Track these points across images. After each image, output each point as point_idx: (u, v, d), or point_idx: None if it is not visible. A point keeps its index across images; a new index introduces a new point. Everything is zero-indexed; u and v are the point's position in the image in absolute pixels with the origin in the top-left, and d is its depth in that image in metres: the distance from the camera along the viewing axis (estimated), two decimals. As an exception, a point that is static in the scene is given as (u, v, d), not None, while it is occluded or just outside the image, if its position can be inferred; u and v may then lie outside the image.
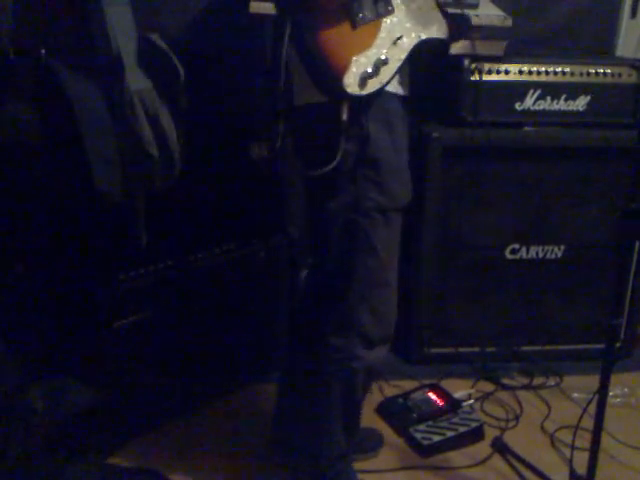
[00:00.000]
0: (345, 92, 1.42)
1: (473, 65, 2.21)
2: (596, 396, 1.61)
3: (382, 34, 1.45)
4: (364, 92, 1.43)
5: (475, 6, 2.27)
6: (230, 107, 2.01)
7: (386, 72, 1.45)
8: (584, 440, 1.74)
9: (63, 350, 1.76)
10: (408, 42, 1.48)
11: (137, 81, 1.67)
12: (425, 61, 2.46)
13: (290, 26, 1.40)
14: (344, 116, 1.43)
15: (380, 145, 1.51)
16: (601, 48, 2.81)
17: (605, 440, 1.97)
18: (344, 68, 1.41)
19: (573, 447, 1.76)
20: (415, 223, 2.32)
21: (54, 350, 1.74)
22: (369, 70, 1.42)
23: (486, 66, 2.22)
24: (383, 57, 1.44)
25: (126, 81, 1.63)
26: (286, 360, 1.86)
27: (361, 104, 1.46)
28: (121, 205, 1.75)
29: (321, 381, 1.65)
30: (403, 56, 1.47)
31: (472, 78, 2.21)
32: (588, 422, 1.67)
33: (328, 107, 1.45)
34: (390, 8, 1.46)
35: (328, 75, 1.41)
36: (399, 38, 1.46)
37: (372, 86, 1.44)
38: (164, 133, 1.73)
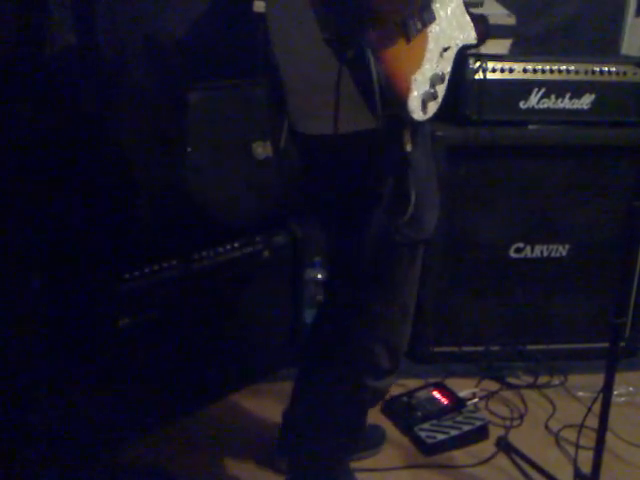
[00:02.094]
0: (411, 117, 1.24)
1: (477, 63, 2.21)
2: (601, 395, 1.61)
3: (430, 45, 1.30)
4: (427, 116, 1.27)
5: (480, 4, 2.28)
6: (232, 107, 2.01)
7: (441, 90, 1.31)
8: (589, 439, 1.74)
9: (67, 349, 1.76)
10: (452, 52, 1.35)
11: (141, 75, 1.66)
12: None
13: (354, 52, 1.18)
14: (408, 147, 1.28)
15: (419, 176, 1.38)
16: (606, 46, 2.81)
17: (610, 439, 1.96)
18: (407, 90, 1.23)
19: (578, 446, 1.75)
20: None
21: (58, 349, 1.74)
22: (428, 89, 1.26)
23: (490, 64, 2.21)
24: (439, 72, 1.29)
25: (132, 76, 1.63)
26: (300, 368, 1.80)
27: (414, 129, 1.30)
28: (124, 201, 1.75)
29: (328, 406, 1.61)
30: (449, 69, 1.33)
31: (476, 77, 2.21)
32: (593, 421, 1.67)
33: (377, 133, 1.27)
34: (433, 16, 1.31)
35: (392, 99, 1.22)
36: (445, 50, 1.32)
37: (432, 109, 1.28)
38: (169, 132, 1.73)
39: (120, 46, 1.61)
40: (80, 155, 1.66)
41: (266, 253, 2.24)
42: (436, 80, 1.28)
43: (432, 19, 1.32)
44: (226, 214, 2.14)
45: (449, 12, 1.37)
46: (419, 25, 1.28)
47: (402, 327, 1.58)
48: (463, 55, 2.20)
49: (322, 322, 1.73)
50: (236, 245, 2.18)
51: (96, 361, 1.82)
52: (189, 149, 1.92)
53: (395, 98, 1.23)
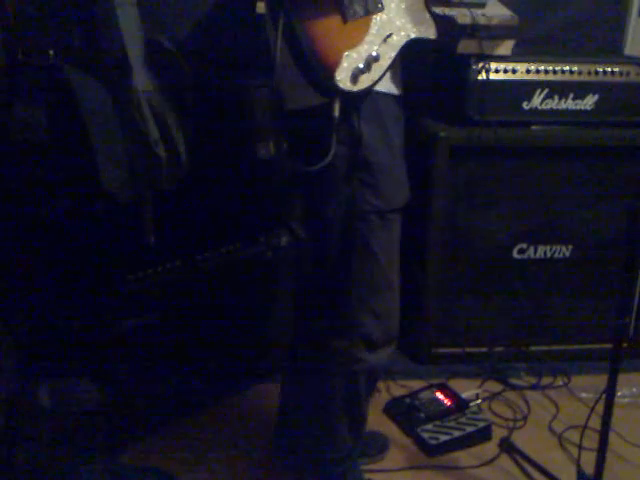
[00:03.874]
0: (337, 87, 1.40)
1: (480, 64, 2.20)
2: (603, 396, 1.61)
3: (372, 30, 1.44)
4: (356, 88, 1.42)
5: (482, 5, 2.27)
6: (236, 107, 2.01)
7: (377, 69, 1.44)
8: (592, 440, 1.73)
9: (70, 349, 1.77)
10: (398, 40, 1.47)
11: (144, 82, 1.67)
12: (432, 60, 2.50)
13: (283, 22, 1.38)
14: (336, 112, 1.42)
15: (374, 147, 1.50)
16: (609, 47, 2.80)
17: (613, 440, 1.97)
18: (336, 63, 1.40)
19: (580, 447, 1.75)
20: (422, 223, 2.31)
21: (61, 349, 1.75)
22: (360, 66, 1.41)
23: (493, 65, 2.21)
24: (374, 54, 1.43)
25: (133, 82, 1.64)
26: (289, 362, 1.85)
27: (353, 102, 1.45)
28: (128, 204, 1.76)
29: (324, 383, 1.65)
30: (393, 54, 1.46)
31: (479, 77, 2.20)
32: (596, 422, 1.67)
33: (320, 107, 1.44)
34: (380, 6, 1.46)
35: (320, 70, 1.40)
36: (389, 36, 1.46)
37: (364, 82, 1.42)
38: (171, 133, 1.73)
39: (122, 50, 1.61)
40: (81, 157, 1.67)
41: (269, 254, 2.24)
42: (371, 60, 1.43)
43: (378, 9, 1.46)
44: (228, 214, 2.14)
45: (403, 6, 1.50)
46: (360, 10, 1.43)
47: (387, 296, 1.62)
48: (466, 56, 2.24)
49: (306, 302, 1.78)
50: (239, 246, 2.18)
51: (99, 360, 1.82)
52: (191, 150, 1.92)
53: (322, 67, 1.40)
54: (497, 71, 2.22)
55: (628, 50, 2.82)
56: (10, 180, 1.59)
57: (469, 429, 2.03)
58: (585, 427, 1.73)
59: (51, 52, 1.55)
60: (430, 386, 2.25)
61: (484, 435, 2.04)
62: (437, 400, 2.17)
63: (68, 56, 1.60)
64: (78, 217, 1.73)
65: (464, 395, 2.21)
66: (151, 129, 1.69)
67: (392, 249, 1.61)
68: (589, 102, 2.27)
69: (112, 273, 1.87)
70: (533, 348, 2.43)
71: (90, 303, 1.80)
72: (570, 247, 2.37)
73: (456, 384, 2.28)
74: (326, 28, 1.40)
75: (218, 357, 2.15)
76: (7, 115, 1.60)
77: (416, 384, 2.30)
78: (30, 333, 1.69)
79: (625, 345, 2.38)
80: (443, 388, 2.24)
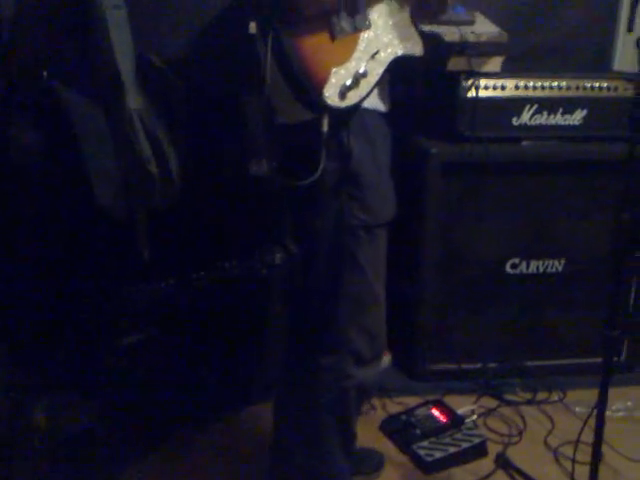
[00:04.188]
0: (325, 103, 1.42)
1: (469, 81, 2.23)
2: (596, 410, 1.61)
3: (360, 47, 1.46)
4: (344, 104, 1.43)
5: (470, 23, 2.30)
6: (228, 125, 2.03)
7: (365, 85, 1.46)
8: (587, 455, 1.72)
9: (66, 367, 1.77)
10: (385, 57, 1.49)
11: (136, 100, 1.69)
12: (423, 78, 2.52)
13: (272, 39, 1.39)
14: (324, 128, 1.44)
15: (362, 162, 1.52)
16: (598, 62, 2.83)
17: (608, 454, 1.97)
18: (324, 79, 1.41)
19: (574, 461, 1.75)
20: (415, 238, 2.33)
21: (58, 367, 1.75)
22: (348, 82, 1.43)
23: (483, 82, 2.24)
24: (362, 70, 1.45)
25: (126, 100, 1.66)
26: (280, 379, 1.85)
27: (341, 118, 1.47)
28: (122, 221, 1.77)
29: (314, 400, 1.64)
30: (381, 70, 1.48)
31: (469, 94, 2.23)
32: (591, 436, 1.66)
33: (309, 123, 1.45)
34: (367, 23, 1.47)
35: (308, 86, 1.42)
36: (377, 52, 1.48)
37: (352, 99, 1.44)
38: (163, 150, 1.75)
39: (114, 70, 1.63)
40: (76, 175, 1.68)
41: (263, 271, 2.24)
42: (359, 76, 1.45)
43: (366, 26, 1.48)
44: (223, 232, 2.15)
45: (390, 23, 1.52)
46: (347, 28, 1.44)
47: (374, 311, 1.63)
48: (455, 73, 2.26)
49: (296, 317, 1.78)
50: (234, 263, 2.19)
51: (95, 379, 1.82)
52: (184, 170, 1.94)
53: (311, 83, 1.41)
54: (487, 88, 2.25)
55: (617, 65, 2.85)
56: (7, 197, 1.60)
57: (464, 445, 2.02)
58: (578, 441, 1.73)
59: (45, 73, 1.57)
60: (426, 403, 2.25)
61: (480, 451, 2.03)
62: (433, 417, 2.17)
63: (62, 77, 1.61)
64: (73, 234, 1.74)
65: (460, 411, 2.21)
66: (143, 146, 1.70)
67: (378, 263, 1.62)
68: (578, 117, 2.30)
69: (107, 291, 1.87)
70: (528, 363, 2.43)
71: (86, 320, 1.80)
72: (562, 261, 2.38)
73: (452, 400, 2.28)
74: (314, 45, 1.42)
75: (213, 375, 2.15)
76: (3, 136, 1.62)
77: (412, 401, 2.29)
78: (26, 350, 1.69)
79: (620, 359, 2.44)
80: (439, 405, 2.23)
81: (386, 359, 2.55)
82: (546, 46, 2.74)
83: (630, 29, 3.10)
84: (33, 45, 1.60)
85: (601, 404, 1.55)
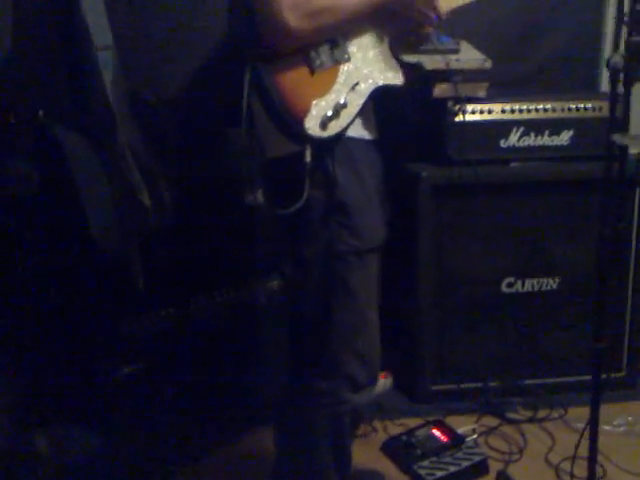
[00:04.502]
0: (307, 134, 1.47)
1: (456, 107, 2.29)
2: (594, 426, 1.63)
3: (340, 80, 1.51)
4: (325, 134, 1.48)
5: (456, 51, 2.37)
6: (222, 155, 2.09)
7: (345, 116, 1.51)
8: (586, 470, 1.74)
9: (68, 396, 1.81)
10: (365, 88, 1.54)
11: (129, 133, 1.76)
12: (412, 105, 2.59)
13: (250, 75, 1.46)
14: (307, 158, 1.48)
15: (348, 190, 1.55)
16: (587, 84, 2.89)
17: (609, 469, 1.98)
18: (305, 111, 1.47)
19: (572, 476, 1.76)
20: (410, 261, 2.37)
21: (59, 396, 1.79)
22: (329, 113, 1.48)
23: (469, 107, 2.30)
24: (342, 101, 1.50)
25: (118, 134, 1.73)
26: (278, 405, 1.86)
27: (325, 148, 1.51)
28: (116, 252, 1.82)
29: (309, 425, 1.66)
30: (361, 101, 1.53)
31: (456, 119, 2.29)
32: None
33: (294, 155, 1.49)
34: (346, 56, 1.53)
35: (290, 119, 1.47)
36: (356, 84, 1.53)
37: (333, 129, 1.49)
38: (155, 182, 1.81)
39: (107, 108, 1.71)
40: (71, 208, 1.74)
41: (262, 299, 2.29)
42: (339, 107, 1.50)
43: (345, 59, 1.53)
44: (220, 260, 2.20)
45: (370, 55, 1.57)
46: (327, 62, 1.51)
47: (368, 335, 1.65)
48: (442, 100, 2.33)
49: (291, 344, 1.80)
50: (231, 291, 2.24)
51: (96, 408, 1.86)
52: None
53: (292, 116, 1.47)
54: (474, 112, 2.31)
55: (605, 86, 2.91)
56: (3, 230, 1.66)
57: (465, 464, 2.03)
58: (574, 457, 1.73)
59: (41, 113, 1.65)
60: (426, 423, 2.26)
61: (481, 469, 2.04)
62: (433, 437, 2.18)
63: (57, 115, 1.69)
64: (69, 267, 1.79)
65: (460, 430, 2.22)
66: (135, 178, 1.76)
67: (370, 288, 1.64)
68: (565, 137, 2.35)
69: (106, 321, 1.92)
70: (528, 382, 2.44)
71: (85, 352, 1.85)
72: (557, 279, 2.41)
73: (453, 420, 2.29)
74: (294, 79, 1.48)
75: (214, 401, 2.18)
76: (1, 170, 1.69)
77: (413, 422, 2.30)
78: (28, 380, 1.73)
79: (621, 375, 2.45)
80: (439, 425, 2.24)
81: (387, 381, 2.57)
82: (534, 69, 2.80)
83: (616, 50, 3.18)
84: (29, 86, 1.68)
85: (594, 413, 1.58)
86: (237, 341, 2.23)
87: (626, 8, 2.65)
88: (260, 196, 2.26)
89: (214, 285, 2.19)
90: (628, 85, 1.52)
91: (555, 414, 2.33)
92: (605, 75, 2.96)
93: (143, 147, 1.81)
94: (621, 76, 1.56)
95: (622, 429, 2.20)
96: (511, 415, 2.34)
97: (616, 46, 3.06)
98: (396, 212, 2.20)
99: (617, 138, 1.52)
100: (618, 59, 1.53)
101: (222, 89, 2.24)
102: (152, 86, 1.96)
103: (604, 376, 1.95)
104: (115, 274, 1.88)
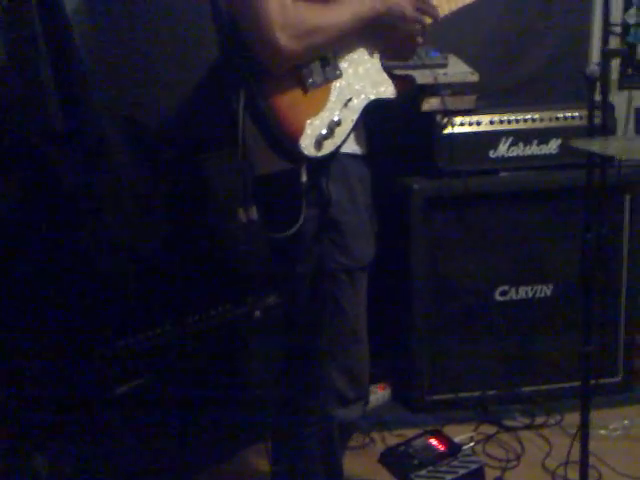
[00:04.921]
0: (302, 154, 1.47)
1: (445, 119, 2.33)
2: (584, 427, 1.64)
3: (332, 97, 1.52)
4: (320, 154, 1.48)
5: (444, 65, 2.42)
6: (213, 175, 2.13)
7: (340, 133, 1.51)
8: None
9: (66, 416, 1.83)
10: (358, 103, 1.54)
11: (122, 157, 1.80)
12: (401, 118, 2.63)
13: (244, 96, 1.45)
14: (303, 178, 1.48)
15: (341, 207, 1.56)
16: (574, 93, 2.93)
17: (606, 473, 2.00)
18: (299, 131, 1.46)
19: (566, 480, 1.77)
20: (405, 272, 2.40)
21: (57, 416, 1.81)
22: (324, 132, 1.48)
23: (458, 119, 2.34)
24: (336, 119, 1.50)
25: (111, 157, 1.77)
26: (272, 422, 1.88)
27: (319, 167, 1.51)
28: (111, 271, 1.86)
29: (301, 442, 1.67)
30: (355, 117, 1.53)
31: (445, 132, 2.33)
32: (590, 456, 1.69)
33: (288, 173, 1.50)
34: (338, 72, 1.53)
35: (285, 139, 1.46)
36: (349, 100, 1.53)
37: (328, 148, 1.49)
38: (148, 203, 1.85)
39: (101, 129, 1.75)
40: (65, 230, 1.78)
41: (257, 313, 2.31)
42: (333, 125, 1.50)
43: (337, 76, 1.54)
44: (216, 277, 2.23)
45: (361, 70, 1.57)
46: (319, 80, 1.50)
47: (356, 352, 1.66)
48: (431, 113, 2.37)
49: (285, 360, 1.80)
50: (228, 307, 2.26)
51: (94, 427, 1.88)
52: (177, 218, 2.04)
53: (287, 136, 1.46)
54: (462, 124, 2.35)
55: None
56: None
57: (462, 471, 2.04)
58: (567, 463, 1.75)
59: (34, 138, 1.69)
60: (424, 433, 2.28)
61: (477, 476, 2.05)
62: (431, 446, 2.19)
63: (51, 140, 1.73)
64: (65, 286, 1.83)
65: (458, 439, 2.23)
66: (126, 200, 1.80)
67: (359, 305, 1.66)
68: (553, 146, 2.38)
69: (103, 339, 1.95)
70: (525, 389, 2.46)
71: (82, 370, 1.87)
72: (550, 286, 2.44)
73: (451, 430, 2.31)
74: (288, 100, 1.47)
75: (215, 419, 2.19)
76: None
77: (412, 433, 2.31)
78: (27, 399, 1.76)
79: (617, 379, 2.46)
80: (436, 434, 2.25)
81: (385, 393, 2.59)
82: (522, 80, 2.84)
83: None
84: (22, 111, 1.72)
85: (584, 417, 1.59)
86: (234, 356, 2.25)
87: (613, 19, 2.72)
88: (254, 213, 2.31)
89: (210, 301, 2.22)
90: (604, 93, 1.55)
91: (552, 420, 2.35)
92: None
93: (136, 169, 1.84)
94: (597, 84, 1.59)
95: (618, 433, 2.21)
96: (508, 423, 2.35)
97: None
98: (389, 225, 2.25)
99: (579, 144, 1.55)
100: (594, 68, 1.56)
101: (212, 110, 2.30)
102: (145, 109, 1.99)
103: (594, 381, 1.98)
104: (109, 292, 1.91)
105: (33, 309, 1.77)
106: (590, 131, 1.64)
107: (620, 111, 2.90)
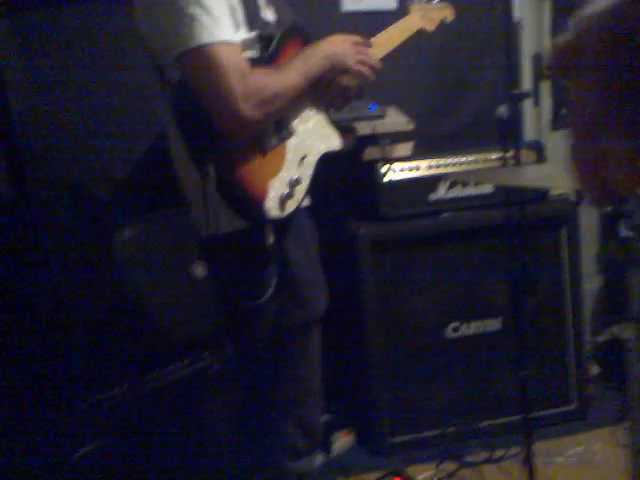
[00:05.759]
0: (269, 216, 1.50)
1: (385, 167, 2.44)
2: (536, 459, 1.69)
3: (289, 156, 1.57)
4: (284, 214, 1.52)
5: (381, 117, 2.55)
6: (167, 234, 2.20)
7: (300, 191, 1.56)
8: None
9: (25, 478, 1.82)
10: (312, 158, 1.61)
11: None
12: (345, 168, 2.74)
13: (213, 168, 1.43)
14: (270, 240, 1.51)
15: (299, 263, 1.60)
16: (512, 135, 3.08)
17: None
18: (264, 194, 1.49)
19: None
20: (357, 318, 2.45)
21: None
22: (286, 191, 1.52)
23: (398, 165, 2.45)
24: (295, 177, 1.55)
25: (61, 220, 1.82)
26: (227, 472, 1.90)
27: (281, 226, 1.55)
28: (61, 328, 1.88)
29: None
30: (310, 172, 1.60)
31: (386, 179, 2.44)
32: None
33: (247, 233, 1.52)
34: (291, 131, 1.59)
35: (250, 203, 1.49)
36: (304, 157, 1.59)
37: (290, 206, 1.54)
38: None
39: (48, 193, 1.81)
40: (15, 295, 1.81)
41: (216, 366, 2.34)
42: (294, 183, 1.53)
43: (290, 135, 1.58)
44: (172, 334, 2.26)
45: (310, 126, 1.63)
46: (275, 141, 1.53)
47: (310, 404, 1.69)
48: (372, 161, 2.48)
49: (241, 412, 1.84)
50: (185, 362, 2.29)
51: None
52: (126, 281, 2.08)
53: (251, 201, 1.48)
54: (402, 170, 2.46)
55: (527, 136, 3.10)
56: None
57: (425, 509, 2.07)
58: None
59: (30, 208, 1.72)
60: (385, 475, 2.30)
61: (439, 513, 2.08)
62: (393, 487, 2.21)
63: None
64: (21, 350, 1.85)
65: (421, 477, 2.26)
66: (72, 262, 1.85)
67: (313, 357, 1.70)
68: (489, 186, 2.50)
69: (60, 404, 1.95)
70: (484, 423, 2.50)
71: (41, 432, 1.87)
72: (500, 319, 2.51)
73: (414, 469, 2.33)
74: (250, 165, 1.50)
75: (179, 475, 2.19)
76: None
77: (376, 476, 2.33)
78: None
79: (571, 407, 2.52)
80: (398, 475, 2.28)
81: (349, 439, 2.61)
82: (459, 126, 2.99)
83: (537, 104, 3.41)
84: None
85: (527, 449, 1.63)
86: (194, 410, 2.26)
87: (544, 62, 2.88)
88: (201, 270, 2.36)
89: (167, 358, 2.24)
90: (515, 133, 1.67)
91: (512, 452, 2.39)
92: (528, 125, 3.18)
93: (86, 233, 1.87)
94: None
95: (575, 459, 2.26)
96: (469, 458, 2.38)
97: (536, 100, 3.30)
98: (339, 270, 2.32)
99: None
100: (502, 110, 1.68)
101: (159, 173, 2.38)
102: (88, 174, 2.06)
103: (554, 410, 2.02)
104: (64, 358, 1.93)
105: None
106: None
107: (556, 150, 3.06)
